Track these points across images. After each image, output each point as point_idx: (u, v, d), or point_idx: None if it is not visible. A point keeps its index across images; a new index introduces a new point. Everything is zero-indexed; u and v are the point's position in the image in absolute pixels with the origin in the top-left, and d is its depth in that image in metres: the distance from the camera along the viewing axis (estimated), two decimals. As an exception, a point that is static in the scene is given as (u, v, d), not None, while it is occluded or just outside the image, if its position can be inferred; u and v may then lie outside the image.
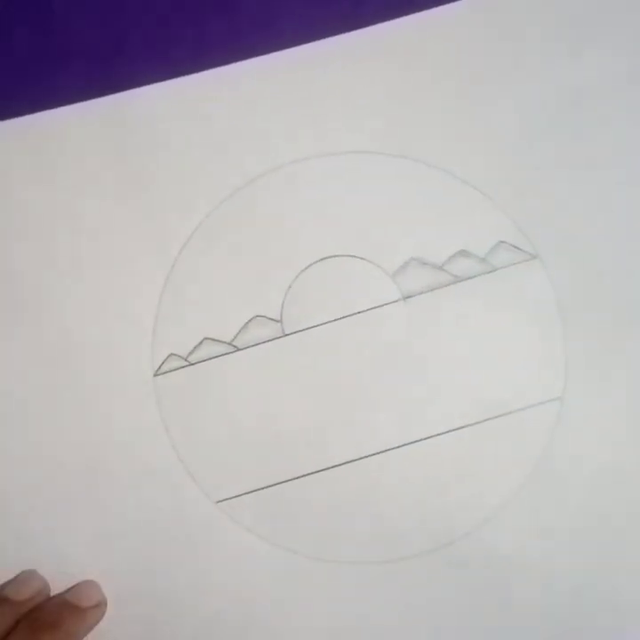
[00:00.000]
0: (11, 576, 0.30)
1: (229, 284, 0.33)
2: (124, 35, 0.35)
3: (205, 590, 0.31)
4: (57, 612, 0.29)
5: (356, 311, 0.33)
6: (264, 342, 0.32)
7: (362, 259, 0.33)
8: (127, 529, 0.31)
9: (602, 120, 0.34)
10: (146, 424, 0.32)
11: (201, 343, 0.32)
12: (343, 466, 0.32)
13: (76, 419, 0.32)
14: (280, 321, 0.32)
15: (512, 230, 0.33)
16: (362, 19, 0.34)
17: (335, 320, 0.33)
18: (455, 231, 0.33)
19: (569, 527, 0.32)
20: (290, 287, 0.33)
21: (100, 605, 0.30)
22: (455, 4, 0.35)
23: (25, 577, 0.30)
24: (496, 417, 0.32)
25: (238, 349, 0.32)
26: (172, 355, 0.32)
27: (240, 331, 0.32)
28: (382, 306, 0.33)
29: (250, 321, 0.32)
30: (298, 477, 0.32)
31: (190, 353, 0.32)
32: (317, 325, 0.32)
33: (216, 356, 0.32)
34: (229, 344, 0.32)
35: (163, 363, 0.32)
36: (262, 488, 0.31)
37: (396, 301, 0.33)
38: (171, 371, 0.32)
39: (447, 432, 0.32)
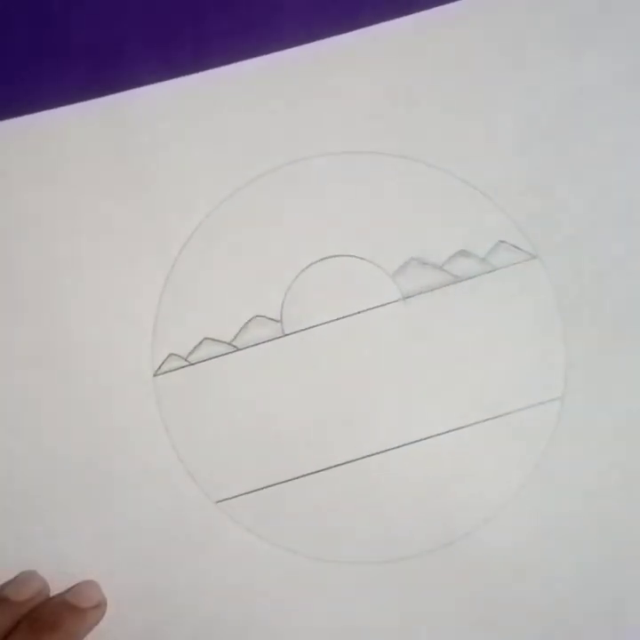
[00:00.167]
0: (11, 576, 0.30)
1: (229, 284, 0.33)
2: (124, 35, 0.35)
3: (205, 590, 0.31)
4: (57, 613, 0.29)
5: (356, 311, 0.33)
6: (264, 342, 0.32)
7: (362, 259, 0.33)
8: (127, 529, 0.31)
9: (602, 120, 0.34)
10: (146, 424, 0.32)
11: (201, 343, 0.32)
12: (343, 466, 0.32)
13: (76, 419, 0.32)
14: (280, 321, 0.32)
15: (512, 230, 0.33)
16: (362, 19, 0.34)
17: (335, 320, 0.33)
18: (455, 231, 0.33)
19: (569, 527, 0.32)
20: (290, 287, 0.33)
21: (100, 606, 0.30)
22: (455, 3, 0.35)
23: (25, 577, 0.30)
24: (496, 417, 0.32)
25: (238, 349, 0.32)
26: (171, 355, 0.32)
27: (240, 331, 0.32)
28: (382, 306, 0.33)
29: (250, 321, 0.32)
30: (298, 477, 0.32)
31: (190, 353, 0.32)
32: (317, 325, 0.32)
33: (216, 356, 0.32)
34: (229, 344, 0.32)
35: (163, 363, 0.32)
36: (262, 488, 0.31)
37: (396, 301, 0.33)
38: (171, 371, 0.32)
39: (447, 432, 0.32)
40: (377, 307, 0.33)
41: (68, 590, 0.30)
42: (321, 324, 0.32)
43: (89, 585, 0.31)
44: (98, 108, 0.34)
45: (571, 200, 0.34)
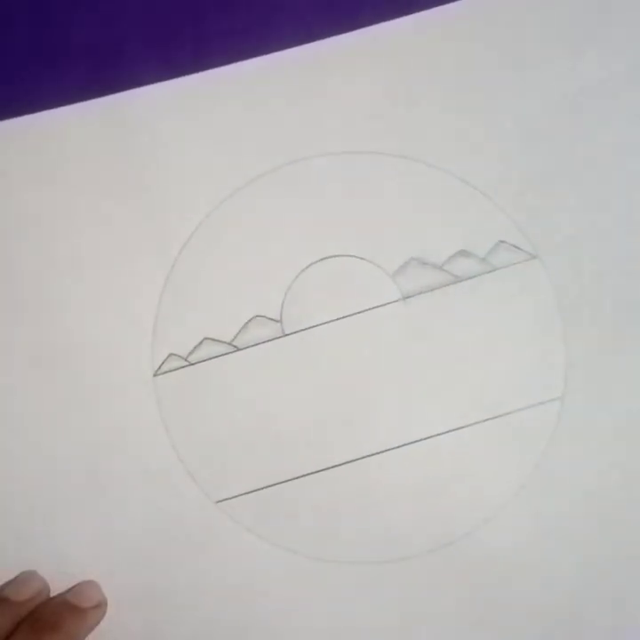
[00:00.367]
0: (11, 576, 0.30)
1: (229, 284, 0.33)
2: (124, 35, 0.35)
3: (205, 590, 0.31)
4: (57, 613, 0.29)
5: (356, 311, 0.33)
6: (264, 342, 0.32)
7: (362, 259, 0.33)
8: (127, 529, 0.31)
9: (602, 120, 0.34)
10: (146, 424, 0.32)
11: (201, 343, 0.32)
12: (343, 466, 0.32)
13: (76, 419, 0.32)
14: (280, 321, 0.32)
15: (512, 230, 0.33)
16: (362, 19, 0.34)
17: (335, 320, 0.33)
18: (455, 231, 0.33)
19: (569, 527, 0.32)
20: (290, 287, 0.33)
21: (101, 606, 0.30)
22: (455, 3, 0.35)
23: (25, 577, 0.30)
24: (496, 417, 0.32)
25: (238, 349, 0.32)
26: (171, 355, 0.32)
27: (240, 331, 0.32)
28: (382, 306, 0.33)
29: (250, 321, 0.32)
30: (298, 477, 0.32)
31: (190, 353, 0.32)
32: (317, 325, 0.32)
33: (216, 356, 0.32)
34: (229, 344, 0.32)
35: (163, 363, 0.32)
36: (262, 488, 0.31)
37: (396, 301, 0.33)
38: (171, 371, 0.32)
39: (447, 432, 0.32)
40: (377, 307, 0.33)
41: (69, 590, 0.30)
42: (321, 324, 0.32)
43: (89, 585, 0.31)
44: (98, 108, 0.34)
45: (571, 200, 0.34)
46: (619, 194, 0.34)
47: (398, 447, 0.32)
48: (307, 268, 0.33)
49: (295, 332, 0.32)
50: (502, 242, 0.33)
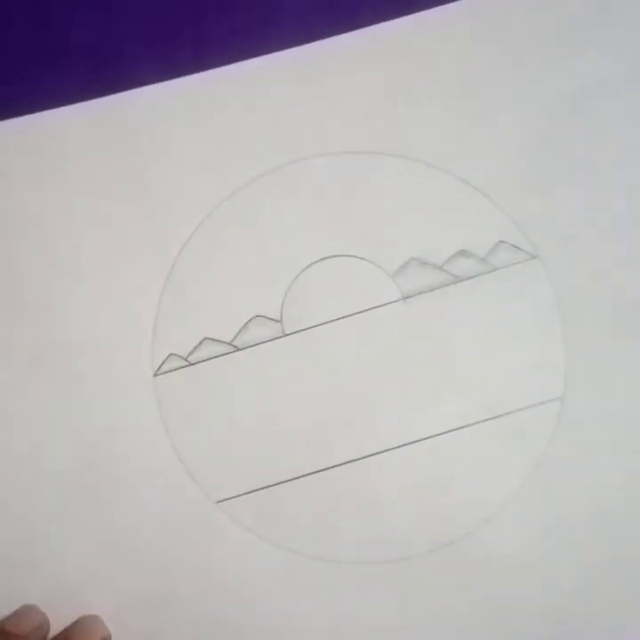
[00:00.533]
0: (11, 576, 0.30)
1: (229, 284, 0.33)
2: (124, 35, 0.35)
3: (205, 590, 0.31)
4: None
5: (356, 311, 0.33)
6: (264, 342, 0.32)
7: (362, 259, 0.33)
8: (127, 529, 0.31)
9: (602, 120, 0.34)
10: (146, 424, 0.32)
11: (201, 343, 0.32)
12: (343, 466, 0.32)
13: (76, 418, 0.32)
14: (280, 321, 0.32)
15: (512, 230, 0.33)
16: (362, 19, 0.34)
17: (335, 320, 0.33)
18: (455, 231, 0.33)
19: (569, 527, 0.32)
20: (290, 287, 0.33)
21: None
22: (455, 3, 0.35)
23: (25, 611, 0.30)
24: (496, 417, 0.32)
25: (238, 349, 0.32)
26: (171, 355, 0.32)
27: (240, 331, 0.32)
28: (382, 306, 0.33)
29: (250, 321, 0.32)
30: (298, 477, 0.32)
31: (190, 353, 0.32)
32: (317, 325, 0.32)
33: (216, 356, 0.32)
34: (229, 344, 0.32)
35: (163, 363, 0.32)
36: (262, 488, 0.31)
37: (396, 301, 0.33)
38: (171, 371, 0.32)
39: (447, 432, 0.32)
40: (377, 307, 0.33)
41: (72, 626, 0.30)
42: (321, 324, 0.32)
43: (92, 620, 0.30)
44: (98, 107, 0.34)
45: (571, 200, 0.34)
46: (619, 194, 0.34)
47: (398, 447, 0.32)
48: (307, 268, 0.33)
49: (295, 332, 0.32)
50: (502, 242, 0.33)
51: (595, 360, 0.32)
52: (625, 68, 0.34)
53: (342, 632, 0.31)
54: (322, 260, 0.33)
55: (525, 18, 0.35)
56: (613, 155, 0.34)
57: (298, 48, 0.34)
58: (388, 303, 0.33)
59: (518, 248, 0.33)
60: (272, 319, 0.32)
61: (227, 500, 0.31)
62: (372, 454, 0.32)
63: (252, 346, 0.32)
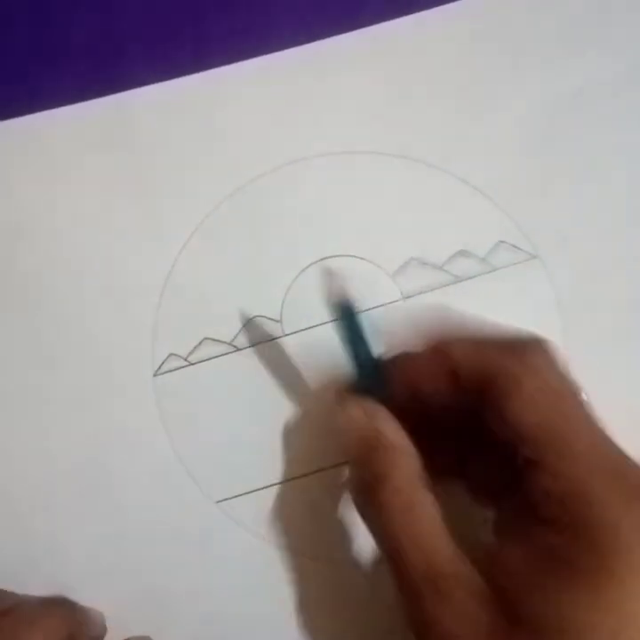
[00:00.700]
0: (11, 576, 0.30)
1: (229, 284, 0.33)
2: (124, 34, 0.35)
3: (205, 590, 0.31)
4: None
5: (356, 311, 0.32)
6: (264, 342, 0.32)
7: (362, 259, 0.33)
8: (127, 529, 0.31)
9: (602, 120, 0.34)
10: (146, 424, 0.32)
11: (201, 343, 0.32)
12: (343, 465, 0.32)
13: (76, 419, 0.32)
14: (280, 321, 0.32)
15: (512, 230, 0.33)
16: (362, 19, 0.35)
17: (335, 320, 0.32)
18: (455, 231, 0.33)
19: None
20: (290, 287, 0.33)
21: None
22: (455, 3, 0.35)
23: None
24: (496, 417, 0.32)
25: (238, 349, 0.32)
26: (171, 355, 0.32)
27: (240, 331, 0.32)
28: (382, 306, 0.33)
29: (250, 321, 0.32)
30: (298, 477, 0.32)
31: (190, 353, 0.32)
32: (317, 325, 0.32)
33: (216, 356, 0.32)
34: (229, 344, 0.32)
35: (163, 363, 0.32)
36: (262, 488, 0.31)
37: (396, 301, 0.33)
38: (171, 371, 0.32)
39: (447, 432, 0.32)
40: (377, 307, 0.33)
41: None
42: (321, 324, 0.32)
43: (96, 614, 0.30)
44: (98, 107, 0.34)
45: (571, 200, 0.34)
46: (619, 194, 0.34)
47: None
48: (307, 268, 0.33)
49: (295, 332, 0.32)
50: (502, 242, 0.33)
51: (594, 359, 0.32)
52: (625, 67, 0.34)
53: (342, 632, 0.31)
54: (322, 259, 0.33)
55: (525, 18, 0.35)
56: (613, 155, 0.34)
57: (298, 48, 0.34)
58: (388, 303, 0.33)
59: (518, 248, 0.33)
60: (272, 319, 0.32)
61: (227, 499, 0.31)
62: (372, 454, 0.32)
63: (251, 346, 0.32)
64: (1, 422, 0.32)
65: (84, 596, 0.30)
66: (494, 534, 0.26)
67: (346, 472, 0.32)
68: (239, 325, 0.32)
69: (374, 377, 0.28)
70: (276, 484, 0.31)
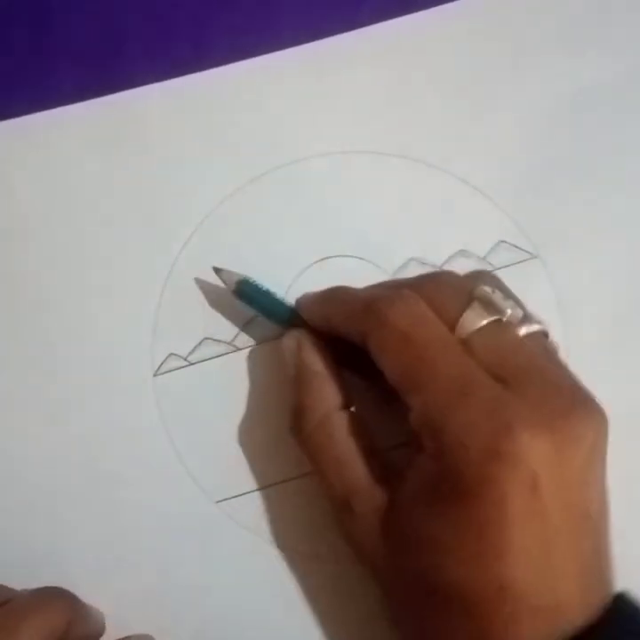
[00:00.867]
0: (11, 577, 0.30)
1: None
2: (124, 35, 0.35)
3: (205, 590, 0.31)
4: None
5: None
6: (264, 342, 0.32)
7: (362, 259, 0.33)
8: (127, 529, 0.31)
9: (602, 120, 0.34)
10: (146, 424, 0.32)
11: (201, 343, 0.32)
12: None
13: (76, 419, 0.32)
14: (280, 321, 0.32)
15: (512, 230, 0.33)
16: (362, 19, 0.35)
17: (335, 320, 0.32)
18: (455, 231, 0.33)
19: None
20: (290, 287, 0.33)
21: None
22: (455, 3, 0.35)
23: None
24: (496, 417, 0.32)
25: (238, 349, 0.32)
26: (171, 355, 0.32)
27: (240, 331, 0.32)
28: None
29: (250, 321, 0.32)
30: (298, 477, 0.31)
31: (190, 353, 0.32)
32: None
33: (216, 356, 0.32)
34: (229, 344, 0.32)
35: (163, 363, 0.32)
36: (262, 488, 0.31)
37: (396, 301, 0.33)
38: (171, 371, 0.32)
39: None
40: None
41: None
42: (321, 324, 0.32)
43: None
44: (98, 108, 0.34)
45: (571, 200, 0.34)
46: (619, 194, 0.34)
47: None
48: (307, 268, 0.33)
49: (295, 332, 0.32)
50: (502, 242, 0.33)
51: (595, 360, 0.32)
52: (625, 68, 0.34)
53: (343, 632, 0.31)
54: (322, 259, 0.33)
55: (525, 18, 0.35)
56: (613, 155, 0.34)
57: (297, 48, 0.34)
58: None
59: (518, 248, 0.33)
60: (272, 319, 0.32)
61: (226, 499, 0.31)
62: (372, 454, 0.32)
63: (251, 346, 0.32)
64: (1, 422, 0.32)
65: (84, 596, 0.30)
66: (406, 455, 0.28)
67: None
68: (239, 325, 0.32)
69: (292, 319, 0.31)
70: (275, 484, 0.31)
